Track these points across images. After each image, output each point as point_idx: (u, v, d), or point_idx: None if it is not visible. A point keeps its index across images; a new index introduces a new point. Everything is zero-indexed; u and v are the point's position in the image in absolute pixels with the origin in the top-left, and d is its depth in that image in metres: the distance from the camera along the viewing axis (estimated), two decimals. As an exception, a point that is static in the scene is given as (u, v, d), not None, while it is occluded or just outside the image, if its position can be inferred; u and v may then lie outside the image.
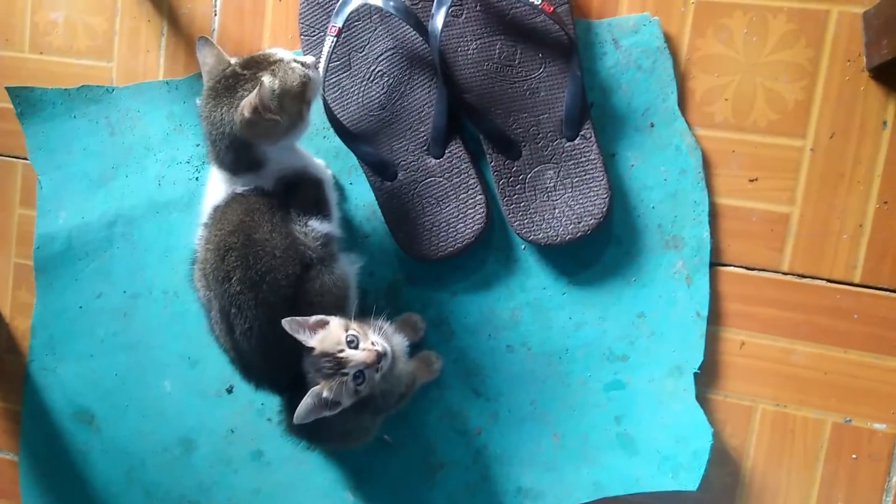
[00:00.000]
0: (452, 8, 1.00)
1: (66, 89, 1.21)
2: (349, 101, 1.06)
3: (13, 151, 1.27)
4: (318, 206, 0.96)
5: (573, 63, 0.99)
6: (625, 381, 1.03)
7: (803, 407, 1.00)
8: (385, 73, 1.05)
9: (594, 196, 1.00)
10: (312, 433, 1.01)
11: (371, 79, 1.05)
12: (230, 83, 0.89)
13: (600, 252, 1.04)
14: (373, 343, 0.86)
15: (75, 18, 1.22)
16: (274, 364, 0.94)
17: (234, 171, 0.93)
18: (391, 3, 0.97)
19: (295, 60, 0.90)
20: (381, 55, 1.05)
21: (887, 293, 0.97)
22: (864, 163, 0.97)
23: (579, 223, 1.01)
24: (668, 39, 1.01)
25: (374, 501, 1.12)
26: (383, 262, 1.11)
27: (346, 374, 0.84)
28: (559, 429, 1.05)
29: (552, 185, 1.02)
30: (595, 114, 1.03)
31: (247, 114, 0.85)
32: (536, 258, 1.06)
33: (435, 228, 1.05)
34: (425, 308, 1.09)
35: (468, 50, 1.02)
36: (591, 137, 1.00)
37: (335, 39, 0.99)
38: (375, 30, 1.05)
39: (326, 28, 1.01)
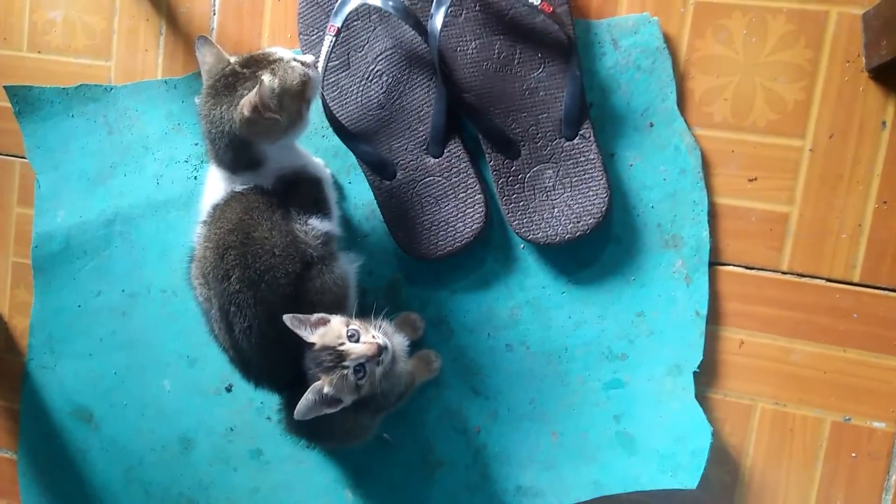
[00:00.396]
0: (451, 8, 1.00)
1: (64, 88, 1.21)
2: (348, 100, 1.06)
3: (11, 150, 1.27)
4: (317, 205, 0.96)
5: (572, 63, 0.99)
6: (624, 380, 1.03)
7: (803, 406, 1.01)
8: (384, 72, 1.05)
9: (593, 195, 1.00)
10: (312, 432, 1.01)
11: (370, 78, 1.05)
12: (230, 82, 0.88)
13: (599, 251, 1.04)
14: (374, 336, 0.86)
15: (74, 17, 1.22)
16: (273, 362, 0.94)
17: (233, 170, 0.93)
18: (390, 3, 0.97)
19: (295, 59, 0.90)
20: (380, 55, 1.05)
21: (886, 292, 0.97)
22: (864, 163, 0.97)
23: (578, 222, 1.01)
24: (668, 40, 1.01)
25: (373, 500, 1.12)
26: (382, 261, 1.11)
27: (347, 368, 0.84)
28: (558, 427, 1.05)
29: (551, 184, 1.02)
30: (594, 114, 1.03)
31: (246, 112, 0.85)
32: (535, 257, 1.06)
33: (434, 227, 1.05)
34: (424, 307, 1.09)
35: (467, 50, 1.02)
36: (590, 137, 1.00)
37: (334, 39, 0.99)
38: (374, 29, 1.05)
39: (325, 27, 1.01)
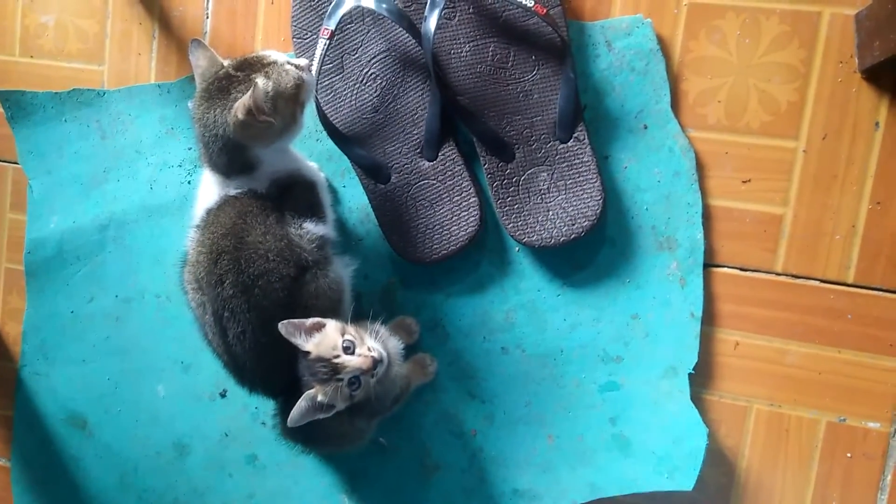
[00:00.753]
0: (445, 10, 1.00)
1: (56, 93, 1.20)
2: (342, 103, 1.06)
3: (4, 156, 1.26)
4: (312, 209, 0.96)
5: (566, 65, 0.99)
6: (619, 383, 1.03)
7: (798, 407, 1.01)
8: (378, 75, 1.05)
9: (588, 198, 1.00)
10: (307, 437, 1.01)
11: (364, 81, 1.05)
12: (223, 85, 0.88)
13: (594, 254, 1.04)
14: (369, 349, 0.86)
15: (66, 21, 1.22)
16: (268, 368, 0.94)
17: (226, 174, 0.93)
18: (384, 6, 0.97)
19: (289, 62, 0.90)
20: (373, 58, 1.05)
21: (881, 293, 0.98)
22: (857, 164, 0.97)
23: (573, 225, 1.01)
24: (661, 41, 1.01)
25: (369, 505, 1.12)
26: (377, 264, 1.10)
27: (342, 380, 0.84)
28: (554, 430, 1.05)
29: (546, 187, 1.02)
30: (588, 116, 1.03)
31: (240, 115, 0.85)
32: (530, 260, 1.06)
33: (429, 231, 1.05)
34: (420, 311, 1.09)
35: (461, 52, 1.02)
36: (584, 139, 1.00)
37: (328, 42, 0.99)
38: (368, 32, 1.05)
39: (319, 30, 1.01)
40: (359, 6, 0.98)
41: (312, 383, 0.85)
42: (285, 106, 0.89)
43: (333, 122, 1.05)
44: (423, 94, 1.04)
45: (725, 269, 1.02)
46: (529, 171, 1.02)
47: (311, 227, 0.94)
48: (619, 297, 1.03)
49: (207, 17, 1.16)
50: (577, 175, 1.01)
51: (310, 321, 0.86)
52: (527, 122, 1.02)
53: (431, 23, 0.96)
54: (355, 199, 1.10)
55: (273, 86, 0.87)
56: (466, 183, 1.04)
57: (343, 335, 0.86)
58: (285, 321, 0.85)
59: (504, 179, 1.03)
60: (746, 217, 1.00)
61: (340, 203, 1.11)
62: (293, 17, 1.07)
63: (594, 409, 1.04)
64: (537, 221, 1.02)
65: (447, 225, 1.04)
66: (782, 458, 1.01)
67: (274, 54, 0.91)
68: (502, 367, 1.07)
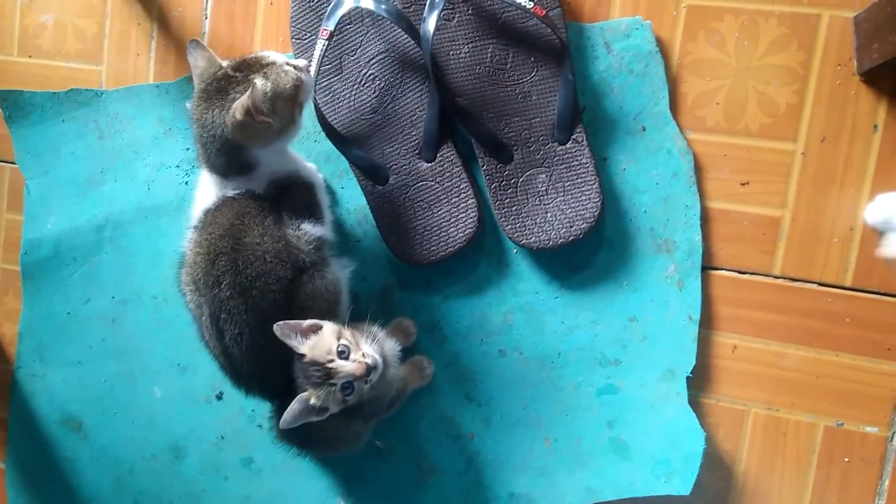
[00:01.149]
0: (444, 11, 1.00)
1: (54, 93, 1.20)
2: (340, 104, 1.06)
3: (1, 155, 1.26)
4: (309, 210, 0.96)
5: (565, 67, 0.99)
6: (617, 386, 1.03)
7: (795, 411, 1.00)
8: (377, 76, 1.05)
9: (586, 200, 1.00)
10: (303, 439, 1.00)
11: (363, 82, 1.05)
12: (222, 85, 0.88)
13: (592, 256, 1.04)
14: (363, 355, 0.86)
15: (65, 21, 1.22)
16: (264, 370, 0.94)
17: (224, 175, 0.93)
18: (383, 7, 0.97)
19: (287, 63, 0.90)
20: (372, 59, 1.05)
21: (878, 296, 0.97)
22: (856, 166, 0.97)
23: (571, 227, 1.00)
24: (660, 43, 1.01)
25: (365, 508, 1.12)
26: (375, 266, 1.10)
27: (335, 385, 0.84)
28: (552, 434, 1.05)
29: (544, 188, 1.02)
30: (587, 117, 1.03)
31: (239, 116, 0.84)
32: (528, 262, 1.06)
33: (427, 232, 1.04)
34: (417, 312, 1.09)
35: (460, 53, 1.02)
36: (582, 141, 1.00)
37: (326, 43, 0.99)
38: (367, 33, 1.05)
39: (318, 31, 1.01)
40: (358, 7, 0.98)
41: (306, 386, 0.85)
42: (284, 107, 0.89)
43: (332, 122, 1.05)
44: (421, 95, 1.03)
45: (724, 272, 1.01)
46: (528, 173, 1.02)
47: (309, 229, 0.94)
48: (617, 299, 1.03)
49: (206, 18, 1.16)
50: (576, 177, 1.01)
51: (306, 323, 0.86)
52: (525, 124, 1.02)
53: (430, 24, 0.96)
54: (353, 201, 1.10)
55: (271, 86, 0.87)
56: (465, 184, 1.03)
57: (339, 339, 0.86)
58: (281, 322, 0.85)
59: (502, 181, 1.03)
60: (745, 219, 1.00)
61: (338, 204, 1.11)
62: (292, 17, 1.07)
63: (592, 413, 1.04)
64: (535, 223, 1.02)
65: (445, 226, 1.04)
66: (780, 462, 1.01)
67: (273, 55, 0.90)
68: (500, 369, 1.06)
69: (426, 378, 1.06)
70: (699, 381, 1.02)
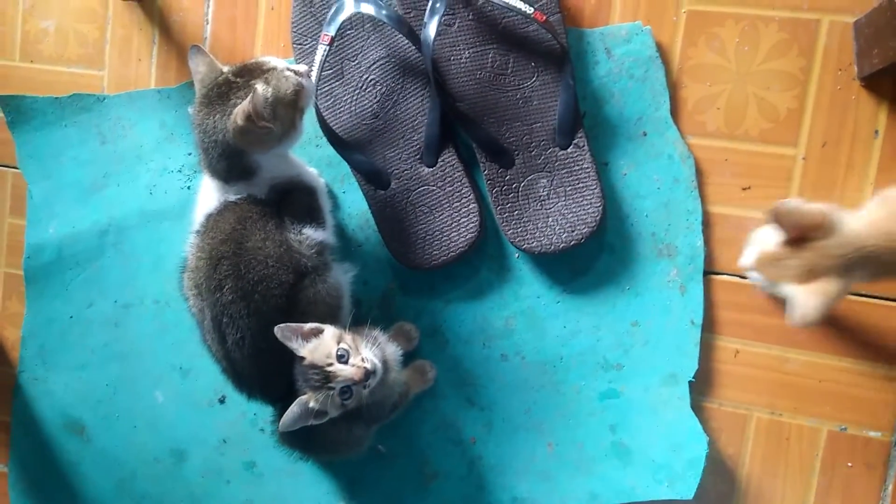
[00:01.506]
0: (445, 17, 1.00)
1: (56, 98, 1.21)
2: (342, 109, 1.06)
3: (3, 160, 1.26)
4: (311, 215, 0.96)
5: (566, 72, 0.99)
6: (619, 390, 1.03)
7: (798, 415, 1.00)
8: (378, 81, 1.05)
9: (587, 205, 1.00)
10: (305, 443, 1.00)
11: (364, 87, 1.05)
12: (223, 91, 0.88)
13: (594, 261, 1.04)
14: (363, 359, 0.86)
15: (66, 27, 1.22)
16: (266, 374, 0.94)
17: (226, 180, 0.93)
18: (384, 12, 0.97)
19: (288, 69, 0.90)
20: (373, 64, 1.05)
21: (881, 301, 0.97)
22: (857, 171, 0.97)
23: (573, 232, 1.01)
24: (661, 48, 1.01)
25: (367, 512, 1.12)
26: (377, 270, 1.10)
27: (333, 389, 0.84)
28: (554, 438, 1.05)
29: (545, 193, 1.02)
30: (588, 122, 1.03)
31: (240, 121, 0.85)
32: (530, 267, 1.06)
33: (428, 237, 1.04)
34: (419, 317, 1.09)
35: (461, 59, 1.02)
36: (584, 146, 1.00)
37: (328, 48, 0.99)
38: (368, 38, 1.05)
39: (319, 37, 1.01)
40: (359, 12, 0.98)
41: (305, 389, 0.85)
42: (285, 112, 0.89)
43: (333, 127, 1.05)
44: (422, 100, 1.04)
45: (725, 277, 1.01)
46: (529, 178, 1.02)
47: (311, 233, 0.94)
48: (619, 304, 1.03)
49: (207, 23, 1.17)
50: (577, 181, 1.01)
51: (308, 326, 0.86)
52: (526, 129, 1.02)
53: (431, 29, 0.96)
54: (355, 205, 1.10)
55: (272, 92, 0.87)
56: (466, 189, 1.04)
57: (339, 343, 0.86)
58: (282, 325, 0.85)
59: (504, 186, 1.03)
60: (746, 224, 1.00)
61: (340, 209, 1.11)
62: (293, 22, 1.07)
63: (594, 417, 1.04)
64: (537, 228, 1.02)
65: (447, 231, 1.04)
66: (783, 466, 1.01)
67: (273, 60, 0.91)
68: (501, 373, 1.06)
69: (428, 382, 1.06)
70: (701, 386, 1.02)
